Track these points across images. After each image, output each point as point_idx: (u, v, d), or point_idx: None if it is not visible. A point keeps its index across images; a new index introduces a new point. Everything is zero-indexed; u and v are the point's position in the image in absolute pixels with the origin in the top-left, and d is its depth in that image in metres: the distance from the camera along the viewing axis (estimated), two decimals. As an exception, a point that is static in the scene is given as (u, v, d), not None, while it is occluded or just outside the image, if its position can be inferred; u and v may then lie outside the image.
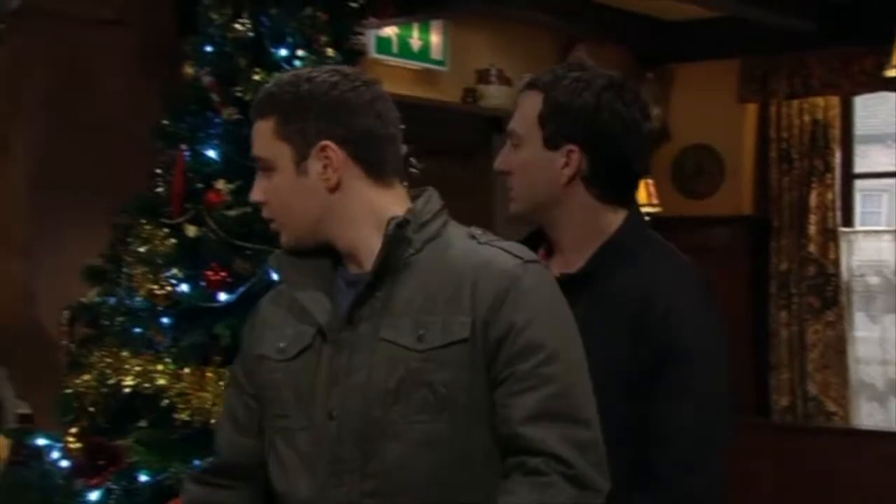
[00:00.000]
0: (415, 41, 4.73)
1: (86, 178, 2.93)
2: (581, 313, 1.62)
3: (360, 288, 1.58)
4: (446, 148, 4.69)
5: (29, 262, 2.88)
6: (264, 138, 1.62)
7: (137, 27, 3.06)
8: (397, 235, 1.59)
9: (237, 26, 2.63)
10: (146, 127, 2.69)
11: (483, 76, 5.04)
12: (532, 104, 1.80)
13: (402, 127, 2.78)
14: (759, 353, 5.59)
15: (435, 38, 4.81)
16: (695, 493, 1.70)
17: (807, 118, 5.55)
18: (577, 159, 1.76)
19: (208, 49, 2.71)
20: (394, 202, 1.64)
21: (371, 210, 1.62)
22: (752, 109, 5.68)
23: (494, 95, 5.03)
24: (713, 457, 1.72)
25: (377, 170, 1.63)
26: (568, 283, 1.68)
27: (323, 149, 1.60)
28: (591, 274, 1.76)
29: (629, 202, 1.82)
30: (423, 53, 4.79)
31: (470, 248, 1.61)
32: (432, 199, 1.67)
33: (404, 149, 3.10)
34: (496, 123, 5.05)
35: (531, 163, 1.78)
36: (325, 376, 1.59)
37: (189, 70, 2.76)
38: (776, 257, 5.58)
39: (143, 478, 2.20)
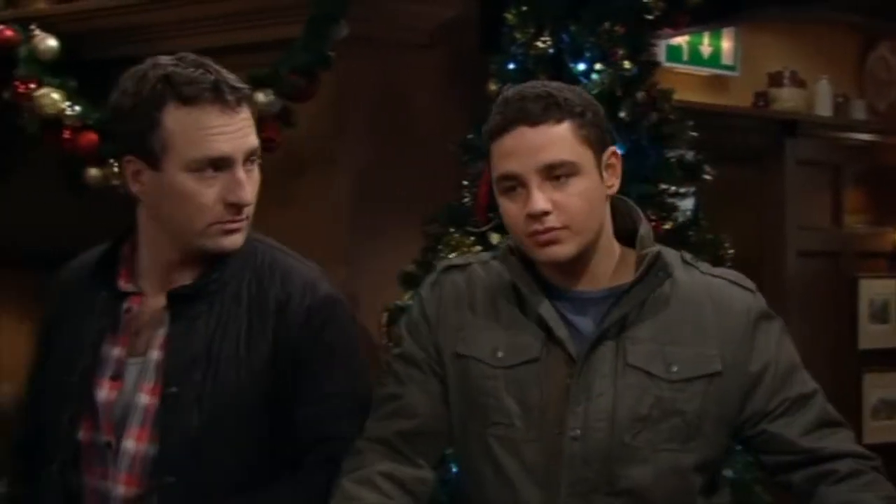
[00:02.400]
0: (705, 48, 4.71)
1: (400, 190, 3.14)
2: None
3: (608, 309, 1.57)
4: (737, 154, 4.63)
5: (351, 268, 3.08)
6: (567, 142, 1.54)
7: (445, 49, 3.25)
8: (659, 261, 1.58)
9: (539, 44, 2.76)
10: (453, 142, 2.86)
11: (775, 79, 4.94)
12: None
13: (693, 134, 2.83)
14: None
15: (726, 44, 4.78)
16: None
17: None
18: None
19: (511, 66, 2.85)
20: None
21: (609, 224, 1.62)
22: None
23: (787, 98, 4.92)
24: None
25: None
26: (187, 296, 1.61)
27: (611, 156, 1.59)
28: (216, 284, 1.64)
29: None
30: (714, 59, 4.77)
31: (697, 277, 1.62)
32: (644, 221, 1.63)
33: (691, 155, 3.10)
34: (789, 127, 4.93)
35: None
36: (558, 393, 1.57)
37: (493, 87, 2.91)
38: None
39: (455, 469, 2.34)
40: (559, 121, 1.54)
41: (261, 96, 2.90)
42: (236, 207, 1.58)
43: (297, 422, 1.62)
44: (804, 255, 4.91)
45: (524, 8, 2.78)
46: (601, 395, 1.55)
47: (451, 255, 2.78)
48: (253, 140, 1.60)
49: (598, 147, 1.57)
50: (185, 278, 1.63)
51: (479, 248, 2.86)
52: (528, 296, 1.59)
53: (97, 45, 3.35)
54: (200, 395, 1.57)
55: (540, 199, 1.53)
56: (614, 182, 1.60)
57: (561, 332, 1.57)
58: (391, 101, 3.17)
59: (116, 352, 1.62)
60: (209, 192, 1.57)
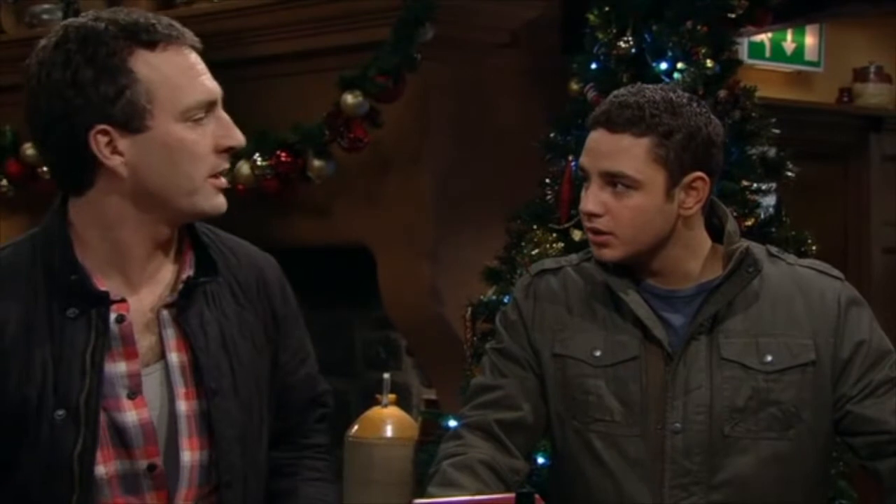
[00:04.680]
0: (788, 44, 4.69)
1: (483, 188, 3.20)
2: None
3: (700, 305, 1.61)
4: (820, 150, 4.60)
5: (435, 263, 3.16)
6: (636, 158, 1.57)
7: (526, 49, 3.30)
8: (748, 257, 1.62)
9: (621, 44, 2.78)
10: (534, 140, 2.91)
11: (860, 74, 4.89)
12: None
13: (776, 131, 2.83)
14: None
15: (810, 40, 4.74)
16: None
17: None
18: None
19: (593, 66, 2.89)
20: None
21: (703, 234, 1.66)
22: None
23: (873, 94, 4.87)
24: None
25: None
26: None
27: (696, 180, 1.60)
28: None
29: None
30: (797, 56, 4.74)
31: (784, 268, 1.66)
32: (730, 217, 1.69)
33: (773, 152, 3.09)
34: (874, 122, 4.87)
35: None
36: (657, 389, 1.61)
37: (574, 86, 2.95)
38: None
39: (540, 460, 2.39)
40: (638, 135, 1.57)
41: (349, 98, 2.99)
42: (228, 153, 1.42)
43: (294, 387, 1.57)
44: (889, 252, 4.85)
45: (606, 8, 2.81)
46: (698, 389, 1.60)
47: (534, 252, 2.83)
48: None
49: (676, 169, 1.58)
50: (164, 267, 1.44)
51: (561, 244, 2.90)
52: (623, 296, 1.63)
53: (193, 49, 3.47)
54: (234, 386, 1.45)
55: (590, 200, 1.60)
56: (692, 205, 1.61)
57: (658, 331, 1.62)
58: (474, 100, 3.23)
59: (123, 367, 1.40)
60: (204, 140, 1.39)
